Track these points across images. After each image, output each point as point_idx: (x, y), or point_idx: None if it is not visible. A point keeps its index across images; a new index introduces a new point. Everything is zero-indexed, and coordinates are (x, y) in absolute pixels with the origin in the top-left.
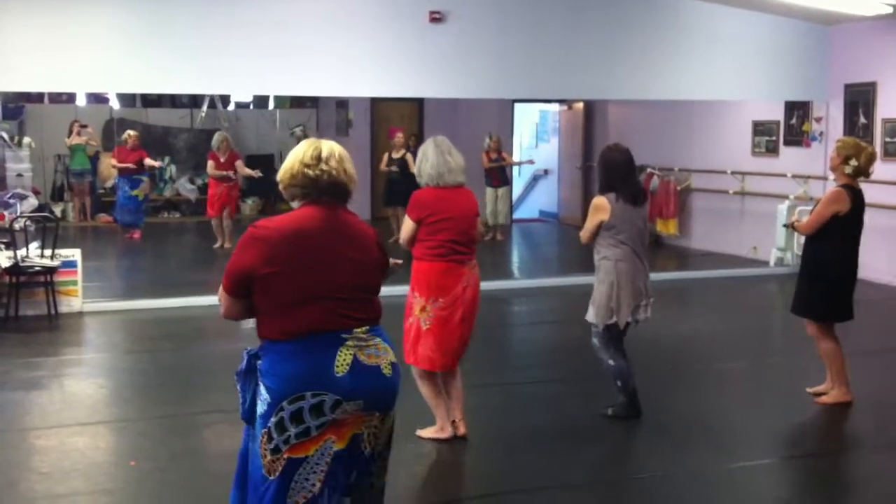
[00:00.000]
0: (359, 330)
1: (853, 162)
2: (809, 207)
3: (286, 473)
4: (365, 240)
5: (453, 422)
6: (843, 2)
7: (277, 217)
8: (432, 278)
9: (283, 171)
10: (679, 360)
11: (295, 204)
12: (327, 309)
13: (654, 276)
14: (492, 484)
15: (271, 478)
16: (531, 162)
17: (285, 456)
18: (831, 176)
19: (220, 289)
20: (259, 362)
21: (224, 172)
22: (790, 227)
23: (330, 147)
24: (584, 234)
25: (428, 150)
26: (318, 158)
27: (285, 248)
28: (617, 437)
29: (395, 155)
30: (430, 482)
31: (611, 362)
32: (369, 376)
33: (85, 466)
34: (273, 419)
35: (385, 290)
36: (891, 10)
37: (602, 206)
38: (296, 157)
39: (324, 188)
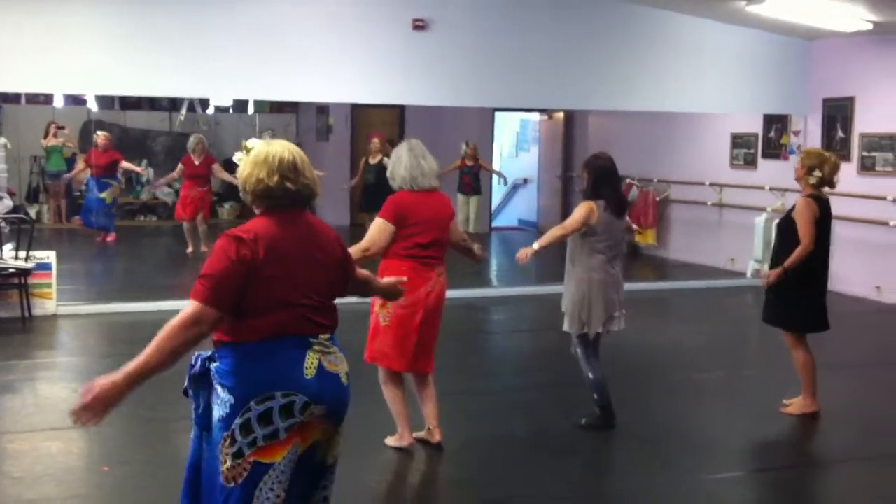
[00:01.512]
0: (322, 336)
1: (817, 172)
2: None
3: (251, 480)
4: (331, 241)
5: (428, 429)
6: (824, 18)
7: (253, 224)
8: (395, 275)
9: (253, 180)
10: (656, 371)
11: (258, 210)
12: (299, 314)
13: (631, 286)
14: (468, 493)
15: (231, 485)
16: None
17: (250, 459)
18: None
19: (191, 310)
20: (215, 365)
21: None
22: (766, 282)
23: (300, 155)
24: (574, 223)
25: (402, 153)
26: (296, 170)
27: (264, 256)
28: (594, 446)
29: (372, 161)
30: (403, 492)
31: (590, 375)
32: (332, 383)
33: (57, 471)
34: (238, 420)
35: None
36: (870, 26)
37: (593, 209)
38: (268, 167)
39: (301, 199)
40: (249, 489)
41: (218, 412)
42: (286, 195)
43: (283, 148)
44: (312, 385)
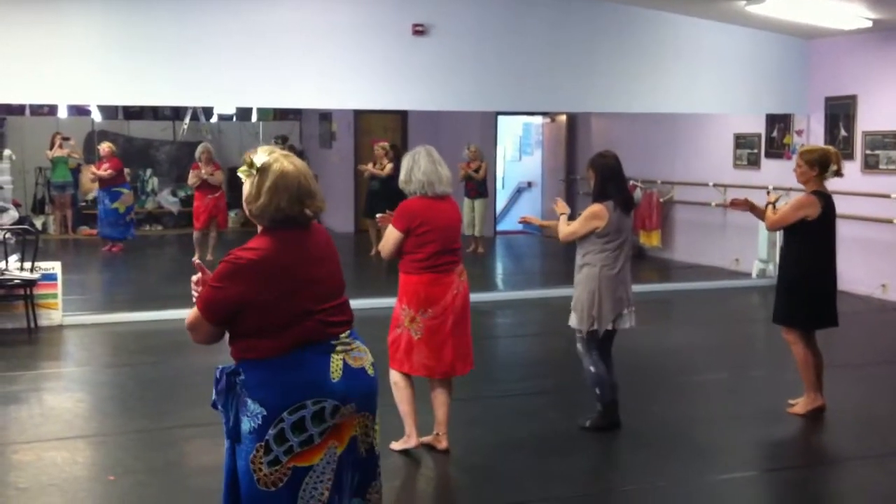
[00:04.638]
0: (343, 336)
1: (833, 167)
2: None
3: (293, 483)
4: (326, 239)
5: (436, 434)
6: (824, 16)
7: (257, 245)
8: (420, 290)
9: (273, 209)
10: (661, 372)
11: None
12: (318, 321)
13: (636, 287)
14: (474, 497)
15: (273, 489)
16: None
17: (289, 465)
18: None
19: (192, 316)
20: (241, 378)
21: (197, 171)
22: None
23: (310, 174)
24: (570, 236)
25: (420, 157)
26: (311, 194)
27: (275, 274)
28: (600, 449)
29: (381, 166)
30: (410, 496)
31: (591, 369)
32: (358, 378)
33: (62, 481)
34: (272, 431)
35: (369, 303)
36: (870, 24)
37: (600, 215)
38: (288, 194)
39: (312, 220)
40: (293, 491)
41: (248, 424)
42: (302, 219)
43: (296, 171)
44: (339, 388)
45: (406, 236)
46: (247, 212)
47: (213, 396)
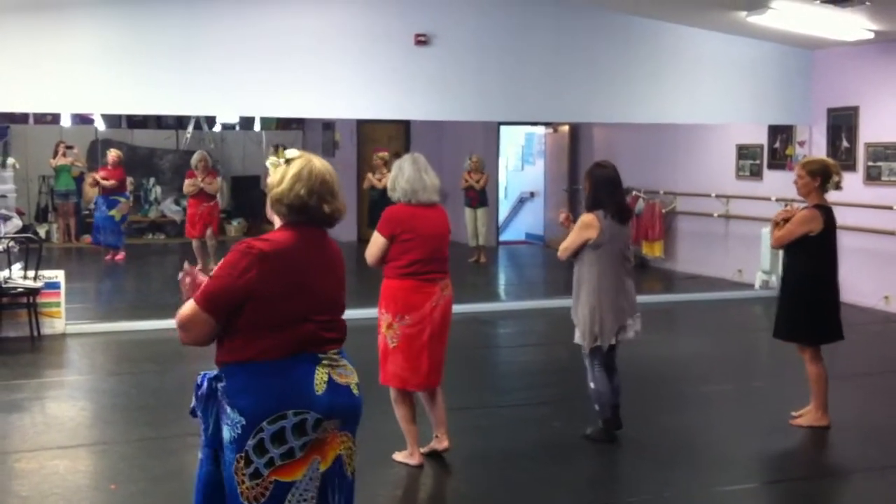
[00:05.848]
0: (331, 351)
1: (835, 178)
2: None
3: (274, 499)
4: (339, 256)
5: (436, 436)
6: (825, 27)
7: (272, 237)
8: (400, 295)
9: (293, 195)
10: (665, 382)
11: (278, 221)
12: (311, 331)
13: (639, 298)
14: None
15: None
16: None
17: (271, 479)
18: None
19: (189, 311)
20: (222, 384)
21: (194, 180)
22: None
23: (336, 177)
24: (566, 251)
25: (405, 165)
26: (333, 194)
27: (284, 270)
28: (604, 459)
29: (380, 176)
30: None
31: (592, 385)
32: (343, 395)
33: (65, 490)
34: (251, 441)
35: (370, 312)
36: (872, 35)
37: (591, 224)
38: (310, 185)
39: (329, 221)
40: None
41: (229, 433)
42: (319, 216)
43: (324, 168)
44: (323, 401)
45: (390, 242)
46: (267, 204)
47: (193, 403)
